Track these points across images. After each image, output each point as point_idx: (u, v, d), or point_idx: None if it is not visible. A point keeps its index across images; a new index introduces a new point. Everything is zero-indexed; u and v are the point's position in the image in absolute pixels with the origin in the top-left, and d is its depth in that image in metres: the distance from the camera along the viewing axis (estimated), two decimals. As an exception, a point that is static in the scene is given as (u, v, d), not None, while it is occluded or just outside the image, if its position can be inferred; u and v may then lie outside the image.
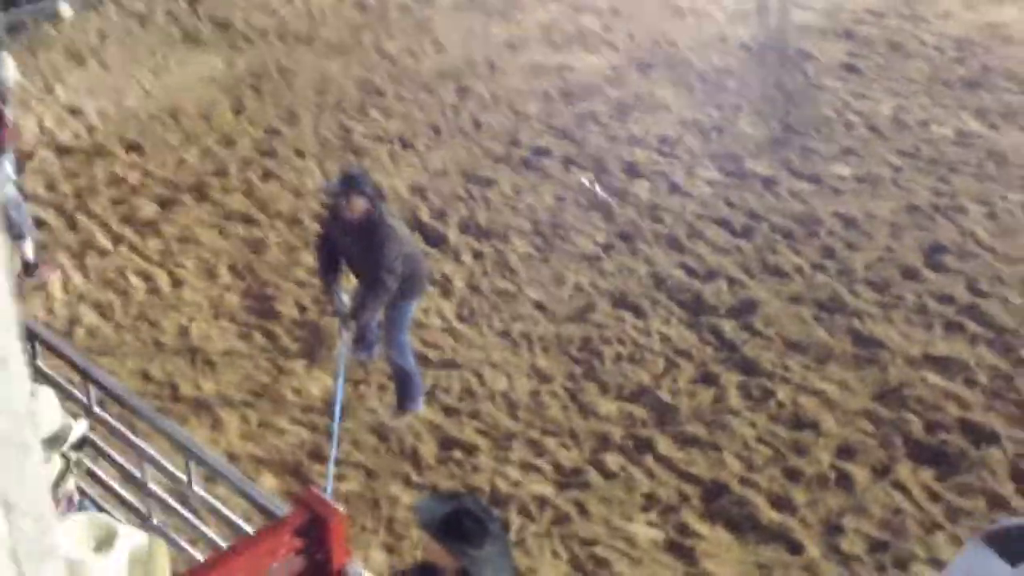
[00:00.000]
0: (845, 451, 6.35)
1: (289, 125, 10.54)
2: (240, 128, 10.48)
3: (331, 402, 6.41)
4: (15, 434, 1.02)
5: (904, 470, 6.18)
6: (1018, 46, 11.95)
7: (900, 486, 6.07)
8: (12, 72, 8.34)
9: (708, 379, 6.98)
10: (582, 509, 5.90)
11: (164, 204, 9.19)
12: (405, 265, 6.29)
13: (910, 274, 8.06)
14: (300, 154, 10.01)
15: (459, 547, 3.58)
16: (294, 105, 10.97)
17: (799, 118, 10.57)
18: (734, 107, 10.81)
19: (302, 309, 7.80)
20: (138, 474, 4.44)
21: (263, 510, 3.99)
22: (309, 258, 8.35)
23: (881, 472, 6.18)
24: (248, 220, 8.97)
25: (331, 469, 5.99)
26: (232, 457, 6.16)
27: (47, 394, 3.57)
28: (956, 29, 12.40)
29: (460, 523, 3.60)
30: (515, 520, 5.88)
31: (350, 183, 6.34)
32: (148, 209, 9.10)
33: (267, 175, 9.69)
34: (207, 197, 9.28)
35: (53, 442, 3.43)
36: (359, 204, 6.24)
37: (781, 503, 5.98)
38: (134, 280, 8.21)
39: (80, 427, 3.59)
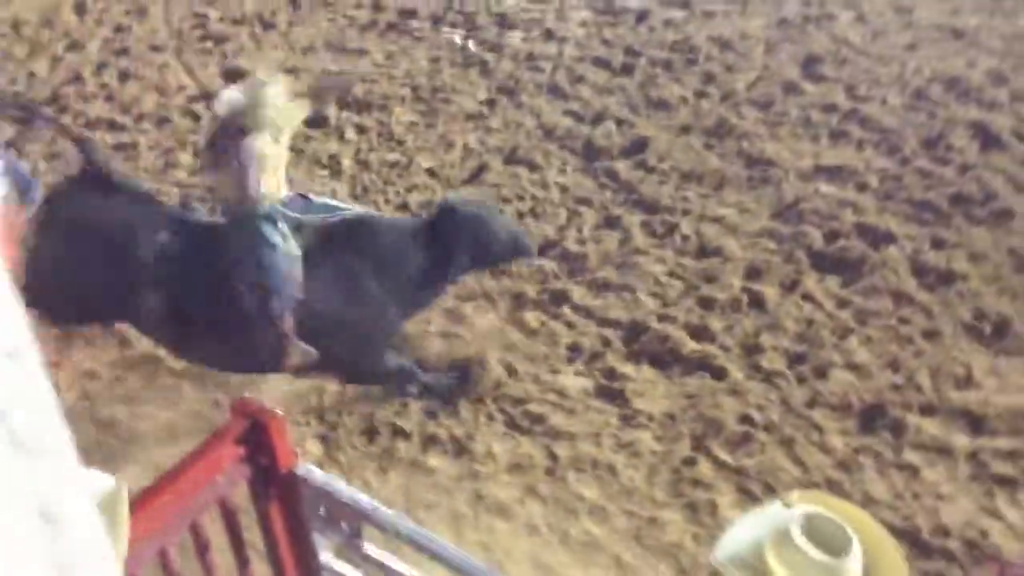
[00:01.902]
0: (753, 272, 6.48)
1: (138, 20, 9.99)
2: (87, 30, 9.90)
3: None
4: (41, 439, 0.93)
5: (810, 281, 6.34)
6: None
7: (809, 297, 6.23)
8: None
9: (611, 223, 7.01)
10: (509, 369, 5.93)
11: (22, 121, 8.68)
12: None
13: (790, 88, 8.14)
14: (156, 48, 9.52)
15: None
16: (139, -3, 10.38)
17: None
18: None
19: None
20: None
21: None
22: (186, 157, 8.04)
23: (789, 287, 6.34)
24: (113, 126, 8.55)
25: None
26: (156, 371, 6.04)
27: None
28: None
29: None
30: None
31: None
32: (6, 130, 8.59)
33: (125, 76, 9.22)
34: (66, 107, 8.80)
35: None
36: None
37: (699, 332, 6.11)
38: (6, 206, 7.81)
39: None
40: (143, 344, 6.28)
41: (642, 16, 9.27)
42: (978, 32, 8.45)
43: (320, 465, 5.26)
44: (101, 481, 2.83)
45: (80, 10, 10.25)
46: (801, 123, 7.75)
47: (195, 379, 6.07)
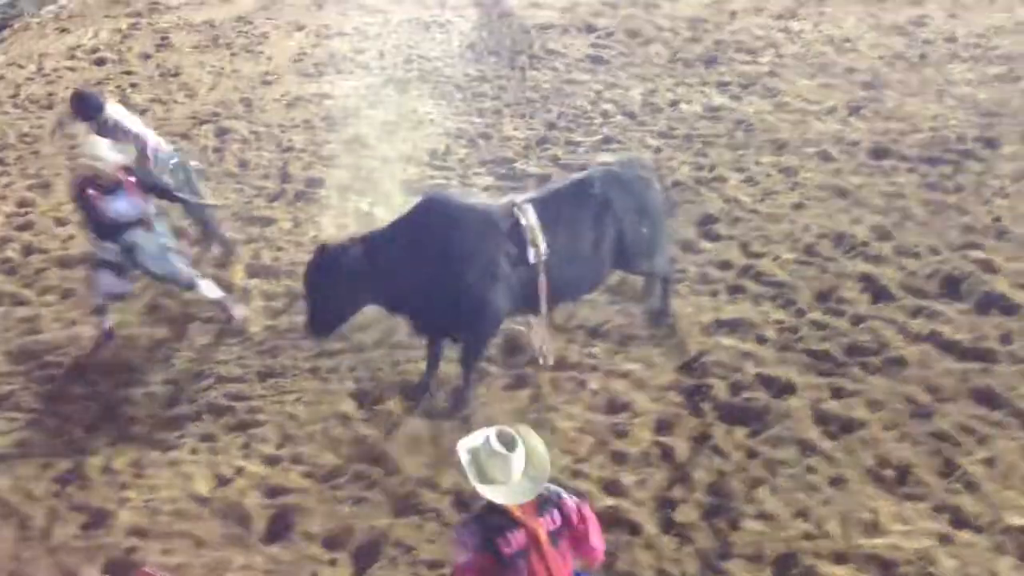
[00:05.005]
0: (662, 425, 6.58)
1: (43, 194, 9.99)
2: (-11, 205, 9.86)
3: None
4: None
5: (719, 432, 6.46)
6: (743, 19, 12.75)
7: (718, 450, 6.33)
8: None
9: (520, 381, 7.08)
10: (425, 535, 5.86)
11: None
12: None
13: (688, 247, 8.44)
14: (60, 222, 9.51)
15: None
16: (44, 172, 10.41)
17: (558, 114, 10.88)
18: (495, 112, 11.02)
19: (93, 383, 7.41)
20: None
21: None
22: (89, 330, 7.95)
23: (699, 439, 6.44)
24: (17, 301, 8.45)
25: None
26: (54, 557, 5.81)
27: None
28: (686, 10, 13.11)
29: None
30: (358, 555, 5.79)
31: None
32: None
33: (28, 250, 9.17)
34: (-34, 283, 8.69)
35: None
36: None
37: (612, 487, 6.14)
38: (-101, 385, 7.58)
39: None
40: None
41: (542, 181, 9.58)
42: (860, 190, 8.92)
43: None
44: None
45: (-18, 186, 10.22)
46: (700, 280, 8.01)
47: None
